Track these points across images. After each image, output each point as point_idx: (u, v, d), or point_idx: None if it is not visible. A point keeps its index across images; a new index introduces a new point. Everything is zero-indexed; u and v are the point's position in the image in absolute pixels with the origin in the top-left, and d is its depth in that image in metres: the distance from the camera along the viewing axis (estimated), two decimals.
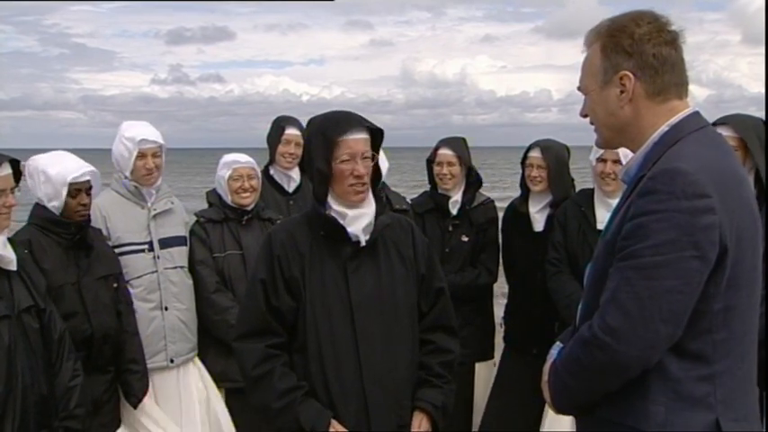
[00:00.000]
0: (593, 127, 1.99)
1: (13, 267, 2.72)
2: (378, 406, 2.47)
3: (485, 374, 4.23)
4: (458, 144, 4.11)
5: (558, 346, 2.00)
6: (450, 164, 4.06)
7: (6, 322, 2.62)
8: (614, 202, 3.42)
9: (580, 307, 1.97)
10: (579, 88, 1.97)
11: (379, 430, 2.47)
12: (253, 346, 2.50)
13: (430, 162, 4.20)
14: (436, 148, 4.14)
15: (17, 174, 2.78)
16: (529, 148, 3.97)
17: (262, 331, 2.51)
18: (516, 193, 4.19)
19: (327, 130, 2.44)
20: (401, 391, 2.53)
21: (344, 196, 2.49)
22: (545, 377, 1.97)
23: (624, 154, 3.31)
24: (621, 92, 1.84)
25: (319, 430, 2.42)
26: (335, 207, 2.50)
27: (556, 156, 3.89)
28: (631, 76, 1.82)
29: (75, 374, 2.88)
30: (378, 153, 2.55)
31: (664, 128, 1.82)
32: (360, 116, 2.51)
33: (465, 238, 4.10)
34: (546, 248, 3.75)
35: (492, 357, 4.27)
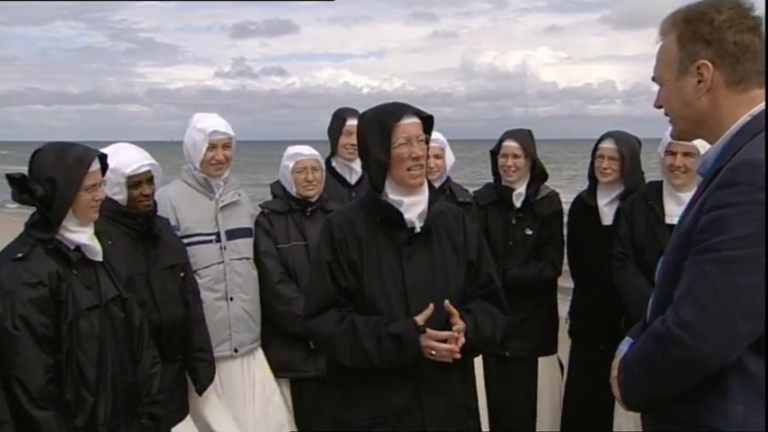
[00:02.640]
0: (667, 118, 1.93)
1: (99, 258, 2.79)
2: (430, 385, 2.56)
3: (548, 369, 4.18)
4: (523, 136, 4.07)
5: (627, 341, 1.97)
6: (515, 156, 4.01)
7: (96, 312, 2.69)
8: (684, 195, 3.37)
9: (651, 302, 1.92)
10: (653, 78, 1.92)
11: (430, 409, 2.56)
12: (325, 314, 2.60)
13: (494, 154, 4.16)
14: (501, 140, 4.11)
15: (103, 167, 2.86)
16: (601, 139, 3.90)
17: (331, 307, 2.60)
18: (576, 185, 4.12)
19: (382, 119, 2.58)
20: (451, 371, 2.58)
21: (403, 181, 2.58)
22: (614, 372, 1.93)
23: (698, 145, 3.23)
24: (699, 81, 1.78)
25: (409, 330, 2.47)
26: (392, 195, 2.61)
27: (629, 147, 3.81)
28: (710, 65, 1.76)
29: (155, 362, 2.95)
30: (430, 137, 2.68)
31: (745, 118, 1.75)
32: (407, 104, 2.65)
33: (529, 231, 4.06)
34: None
35: (555, 352, 4.22)
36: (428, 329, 2.49)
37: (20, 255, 2.59)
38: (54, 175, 2.61)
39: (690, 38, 1.78)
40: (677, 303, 1.70)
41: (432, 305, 2.50)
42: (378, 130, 2.57)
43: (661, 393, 1.79)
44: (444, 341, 2.49)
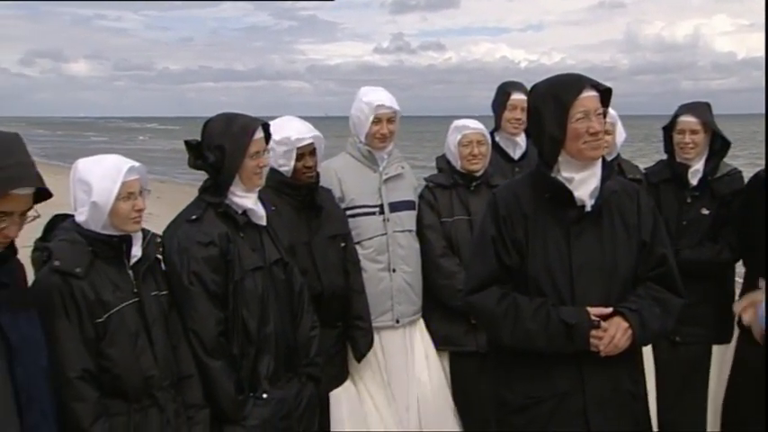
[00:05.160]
0: None
1: (263, 222, 2.96)
2: (593, 368, 2.49)
3: (722, 358, 3.93)
4: (702, 110, 3.81)
5: None
6: (693, 131, 3.77)
7: (260, 273, 2.87)
8: None
9: None
10: None
11: (593, 393, 2.49)
12: (487, 291, 2.57)
13: (668, 130, 3.94)
14: (677, 115, 3.87)
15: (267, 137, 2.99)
16: None
17: (493, 283, 2.57)
18: (756, 164, 3.81)
19: (559, 93, 2.47)
20: (616, 354, 2.49)
21: (580, 154, 2.48)
22: None
23: None
24: None
25: (582, 321, 2.44)
26: (564, 173, 2.52)
27: None
28: None
29: (313, 325, 3.09)
30: (607, 109, 2.56)
31: None
32: (584, 76, 2.53)
33: (705, 211, 3.81)
34: None
35: (730, 341, 3.95)
36: (602, 323, 2.43)
37: (194, 217, 2.81)
38: (222, 143, 2.79)
39: None
40: None
41: (611, 309, 2.45)
42: (553, 104, 2.47)
43: None
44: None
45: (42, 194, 2.11)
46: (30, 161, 2.06)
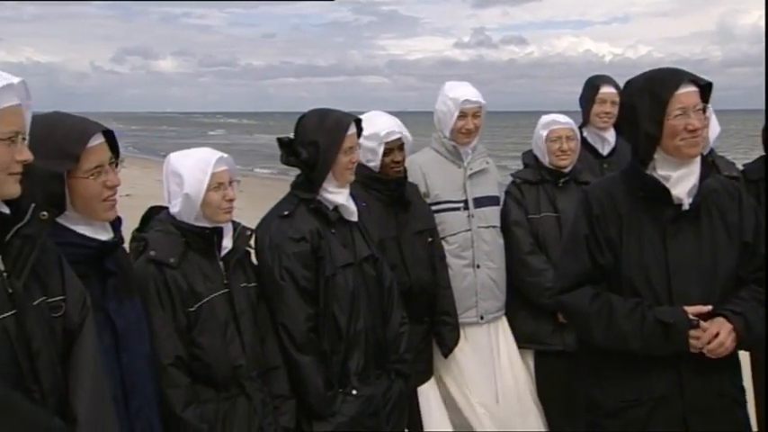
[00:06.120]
0: None
1: (355, 218, 2.96)
2: (693, 372, 2.40)
3: None
4: None
5: None
6: None
7: (350, 269, 2.87)
8: None
9: None
10: None
11: (692, 397, 2.40)
12: (579, 290, 2.51)
13: None
14: None
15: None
16: None
17: (585, 283, 2.51)
18: None
19: (655, 88, 2.39)
20: (718, 358, 2.39)
21: (677, 151, 2.39)
22: None
23: None
24: None
25: (680, 321, 2.36)
26: (660, 170, 2.43)
27: None
28: None
29: (403, 321, 3.07)
30: (707, 105, 2.46)
31: None
32: (683, 70, 2.42)
33: None
34: None
35: None
36: (701, 323, 2.34)
37: (286, 212, 2.83)
38: (317, 139, 2.80)
39: None
40: None
41: (710, 307, 2.36)
42: (649, 100, 2.38)
43: None
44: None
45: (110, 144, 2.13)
46: (80, 117, 2.11)
